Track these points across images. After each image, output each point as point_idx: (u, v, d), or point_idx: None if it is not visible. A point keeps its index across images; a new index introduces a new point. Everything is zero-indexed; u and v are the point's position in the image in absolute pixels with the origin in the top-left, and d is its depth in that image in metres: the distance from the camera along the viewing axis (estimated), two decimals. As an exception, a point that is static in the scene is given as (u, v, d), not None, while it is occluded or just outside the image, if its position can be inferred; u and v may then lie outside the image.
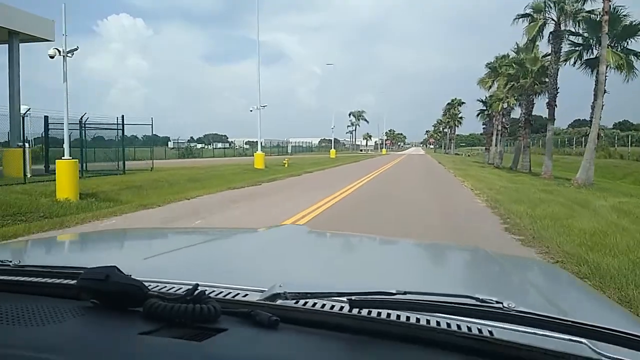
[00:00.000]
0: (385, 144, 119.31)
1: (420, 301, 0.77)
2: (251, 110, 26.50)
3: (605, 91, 17.90)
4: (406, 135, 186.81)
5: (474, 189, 14.88)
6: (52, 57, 11.04)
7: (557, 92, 22.56)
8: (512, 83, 29.36)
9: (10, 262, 1.01)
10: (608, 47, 17.93)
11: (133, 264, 1.02)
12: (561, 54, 22.14)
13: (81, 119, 17.06)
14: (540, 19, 22.34)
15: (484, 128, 49.02)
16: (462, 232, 7.46)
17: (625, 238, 6.59)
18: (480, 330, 0.77)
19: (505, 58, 32.99)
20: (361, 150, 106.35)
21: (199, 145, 67.94)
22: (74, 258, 1.67)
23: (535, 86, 27.27)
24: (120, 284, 0.78)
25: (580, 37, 21.30)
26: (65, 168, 10.49)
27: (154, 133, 25.23)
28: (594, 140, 18.36)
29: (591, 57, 20.65)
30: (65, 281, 0.93)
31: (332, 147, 53.14)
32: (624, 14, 19.19)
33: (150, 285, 0.85)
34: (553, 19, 22.24)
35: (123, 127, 19.00)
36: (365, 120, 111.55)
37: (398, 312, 0.81)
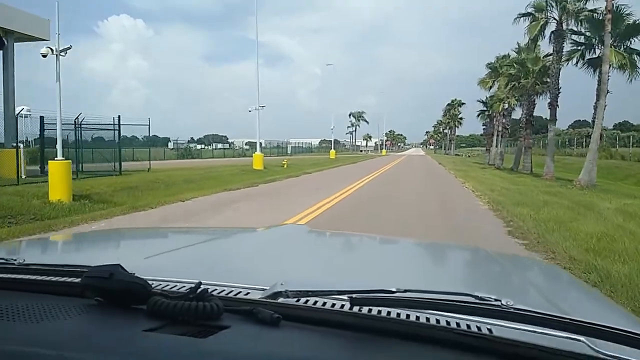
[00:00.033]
0: (385, 145, 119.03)
1: (420, 299, 0.78)
2: (250, 111, 26.47)
3: (607, 91, 17.67)
4: (406, 136, 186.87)
5: (475, 191, 14.67)
6: (44, 55, 10.88)
7: (559, 92, 22.37)
8: (513, 83, 29.17)
9: (15, 260, 1.02)
10: (611, 47, 17.70)
11: (136, 263, 1.03)
12: (563, 53, 21.93)
13: (76, 119, 16.80)
14: (542, 18, 22.13)
15: (484, 129, 48.86)
16: (463, 235, 7.28)
17: (633, 242, 6.35)
18: (479, 328, 0.77)
19: (506, 58, 32.80)
20: (361, 151, 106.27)
21: (199, 146, 67.44)
22: (78, 257, 1.69)
23: (537, 86, 27.07)
24: (124, 282, 0.79)
25: (583, 37, 21.13)
26: (58, 169, 10.29)
27: (154, 134, 25.10)
28: (597, 141, 18.08)
29: (593, 56, 20.47)
30: (70, 279, 0.94)
31: (332, 148, 53.03)
32: (627, 12, 18.98)
33: (153, 284, 0.86)
34: (555, 18, 22.01)
35: (119, 127, 18.81)
36: (366, 121, 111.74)
37: (398, 310, 0.81)
